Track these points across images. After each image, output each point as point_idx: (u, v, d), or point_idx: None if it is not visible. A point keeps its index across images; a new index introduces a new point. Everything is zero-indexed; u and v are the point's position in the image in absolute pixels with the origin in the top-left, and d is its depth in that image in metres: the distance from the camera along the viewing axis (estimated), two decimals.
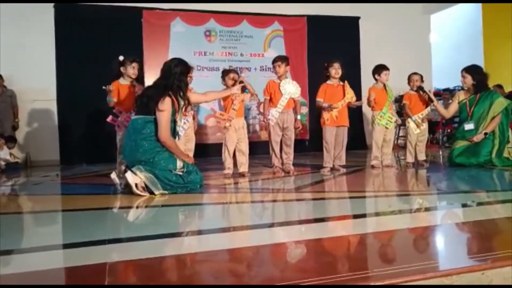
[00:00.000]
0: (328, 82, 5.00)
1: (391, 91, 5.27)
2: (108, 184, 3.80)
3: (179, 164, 3.65)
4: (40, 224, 2.81)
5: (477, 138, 4.92)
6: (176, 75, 3.72)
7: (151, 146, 3.56)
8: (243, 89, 4.57)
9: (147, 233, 2.26)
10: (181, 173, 3.63)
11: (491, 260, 1.61)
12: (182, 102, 3.77)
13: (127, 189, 3.54)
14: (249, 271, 1.67)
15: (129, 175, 3.46)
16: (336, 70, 4.91)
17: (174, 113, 3.69)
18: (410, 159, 5.34)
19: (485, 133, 4.89)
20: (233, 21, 8.37)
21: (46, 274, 1.66)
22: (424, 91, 5.23)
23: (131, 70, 4.61)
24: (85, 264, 1.73)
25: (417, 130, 5.27)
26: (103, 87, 4.45)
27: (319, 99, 4.97)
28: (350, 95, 4.92)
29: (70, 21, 7.37)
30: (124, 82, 4.63)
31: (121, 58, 4.63)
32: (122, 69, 4.61)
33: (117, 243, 2.11)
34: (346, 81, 4.98)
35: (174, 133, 3.79)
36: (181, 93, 3.76)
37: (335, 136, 4.94)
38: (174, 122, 3.73)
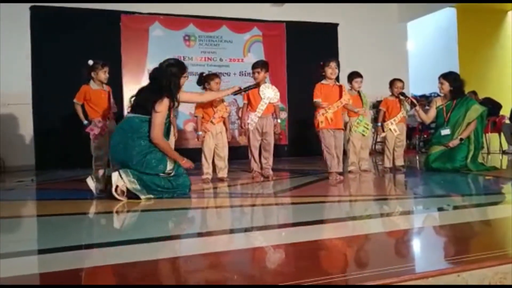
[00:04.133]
0: (323, 82, 4.69)
1: (365, 98, 5.32)
2: (84, 189, 3.73)
3: (169, 166, 3.61)
4: (14, 230, 2.74)
5: (453, 143, 5.00)
6: (168, 76, 3.67)
7: (147, 145, 3.53)
8: (239, 92, 4.58)
9: (124, 238, 2.23)
10: (167, 176, 3.59)
11: (466, 262, 1.64)
12: (175, 103, 3.73)
13: (103, 194, 3.51)
14: (228, 276, 1.66)
15: (115, 176, 3.41)
16: (332, 69, 4.61)
17: (169, 115, 3.67)
18: (387, 164, 5.40)
19: (461, 139, 4.98)
20: (213, 26, 8.38)
21: (21, 280, 1.62)
22: (406, 97, 5.33)
23: (103, 74, 4.54)
24: (61, 270, 1.69)
25: (397, 131, 5.34)
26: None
27: (317, 99, 4.58)
28: (347, 97, 4.69)
29: (47, 24, 7.27)
30: (95, 87, 4.55)
31: (90, 62, 4.54)
32: (92, 73, 4.53)
33: (93, 248, 2.08)
34: (343, 84, 4.82)
35: (168, 134, 3.78)
36: (172, 95, 3.69)
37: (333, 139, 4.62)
38: (169, 123, 3.72)
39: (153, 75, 3.80)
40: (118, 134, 3.68)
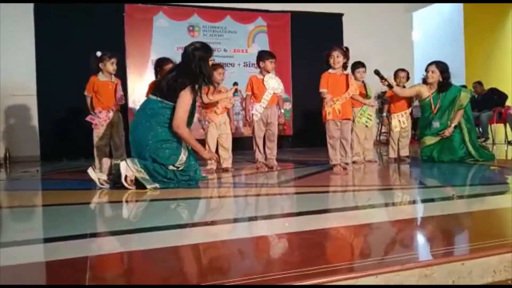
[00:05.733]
0: (330, 71, 4.56)
1: (369, 89, 5.29)
2: (88, 180, 3.74)
3: (180, 160, 3.59)
4: (20, 219, 2.76)
5: (448, 132, 4.88)
6: (197, 61, 3.61)
7: (164, 133, 3.52)
8: (235, 94, 4.58)
9: (129, 227, 2.24)
10: (175, 169, 3.59)
11: (471, 251, 1.64)
12: (205, 87, 3.71)
13: (106, 185, 3.56)
14: (231, 264, 1.66)
15: (123, 165, 3.42)
16: (334, 59, 4.47)
17: (194, 103, 3.66)
18: (392, 154, 5.40)
19: (455, 126, 4.88)
20: (217, 17, 8.34)
21: (26, 268, 1.63)
22: (382, 77, 4.92)
23: (111, 66, 4.56)
24: (66, 258, 1.71)
25: (397, 128, 5.32)
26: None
27: (323, 89, 4.50)
28: (354, 87, 4.60)
29: (50, 14, 7.25)
30: (103, 78, 4.57)
31: (98, 53, 4.55)
32: (100, 65, 4.55)
33: (98, 237, 2.09)
34: (350, 74, 4.73)
35: (191, 123, 3.73)
36: (205, 79, 3.66)
37: (340, 131, 4.60)
38: (192, 113, 3.68)
39: (182, 58, 3.74)
40: (140, 115, 3.66)
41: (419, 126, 5.38)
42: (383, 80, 4.94)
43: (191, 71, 3.60)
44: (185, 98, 3.53)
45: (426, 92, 5.06)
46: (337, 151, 4.56)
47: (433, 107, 4.99)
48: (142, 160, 3.48)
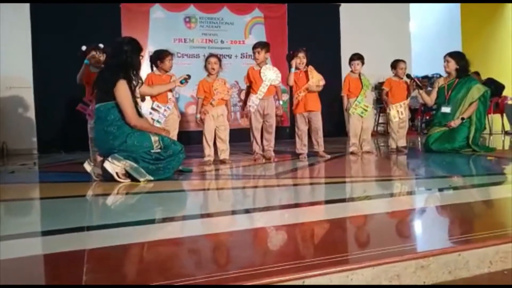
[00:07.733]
0: (292, 70, 4.97)
1: (366, 81, 5.29)
2: (86, 172, 3.74)
3: (154, 139, 3.57)
4: (17, 212, 2.76)
5: (455, 123, 4.97)
6: (128, 53, 3.59)
7: (120, 131, 3.48)
8: (186, 81, 4.57)
9: (126, 220, 2.24)
10: (159, 150, 3.58)
11: (467, 241, 1.65)
12: (135, 82, 3.66)
13: (101, 178, 3.56)
14: (230, 256, 1.67)
15: (108, 165, 3.41)
16: (300, 59, 4.90)
17: (132, 94, 3.59)
18: (393, 145, 5.42)
19: (462, 118, 4.94)
20: (213, 8, 8.29)
21: (24, 261, 1.63)
22: (412, 79, 5.31)
23: (92, 58, 4.58)
24: (63, 251, 1.71)
25: (396, 118, 5.34)
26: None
27: (291, 78, 4.99)
28: (315, 79, 4.89)
29: (47, 7, 7.19)
30: (93, 70, 4.57)
31: (83, 48, 4.61)
32: (87, 57, 4.58)
33: (96, 230, 2.09)
34: (310, 66, 4.95)
35: (139, 114, 3.69)
36: (134, 72, 3.64)
37: (308, 122, 4.99)
38: (135, 103, 3.62)
39: (111, 52, 3.74)
40: (96, 125, 3.66)
41: (432, 116, 5.50)
42: (412, 80, 5.29)
43: (122, 63, 3.56)
44: (123, 92, 3.48)
45: (442, 82, 5.27)
46: (303, 142, 4.99)
47: (446, 93, 5.13)
48: (123, 153, 3.47)
